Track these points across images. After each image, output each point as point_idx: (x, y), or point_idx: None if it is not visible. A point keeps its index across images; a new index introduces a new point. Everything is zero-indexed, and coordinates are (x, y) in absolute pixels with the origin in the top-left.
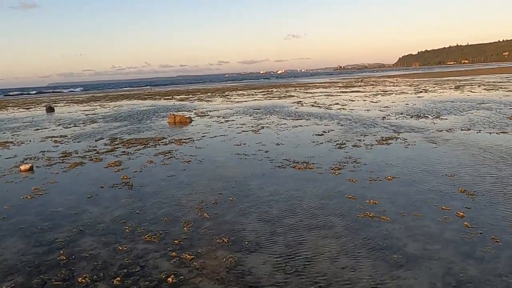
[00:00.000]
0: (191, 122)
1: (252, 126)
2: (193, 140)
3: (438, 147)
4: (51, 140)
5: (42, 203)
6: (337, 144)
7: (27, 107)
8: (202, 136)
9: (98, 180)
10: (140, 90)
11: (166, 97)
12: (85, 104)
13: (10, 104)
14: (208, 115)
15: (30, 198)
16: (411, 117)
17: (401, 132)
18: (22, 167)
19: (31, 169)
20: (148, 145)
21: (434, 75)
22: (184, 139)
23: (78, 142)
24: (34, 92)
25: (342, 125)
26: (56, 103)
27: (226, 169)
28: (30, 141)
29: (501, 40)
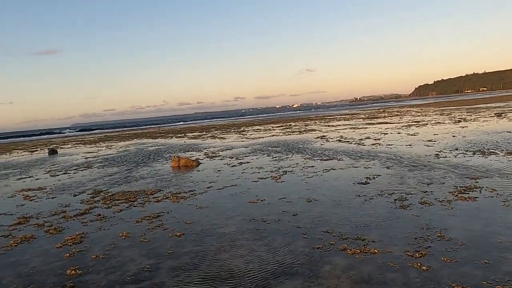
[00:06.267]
0: (198, 166)
1: (271, 171)
2: (195, 194)
3: None
4: (23, 195)
5: None
6: (395, 199)
7: (33, 149)
8: (208, 188)
9: (29, 279)
10: (154, 128)
11: (179, 135)
12: (93, 145)
13: (20, 147)
14: (219, 155)
15: None
16: (474, 154)
17: (478, 178)
18: None
19: None
20: (135, 203)
21: (459, 103)
22: (184, 193)
23: (52, 198)
24: (55, 133)
25: (388, 167)
26: (64, 144)
27: (235, 254)
28: None
29: None
